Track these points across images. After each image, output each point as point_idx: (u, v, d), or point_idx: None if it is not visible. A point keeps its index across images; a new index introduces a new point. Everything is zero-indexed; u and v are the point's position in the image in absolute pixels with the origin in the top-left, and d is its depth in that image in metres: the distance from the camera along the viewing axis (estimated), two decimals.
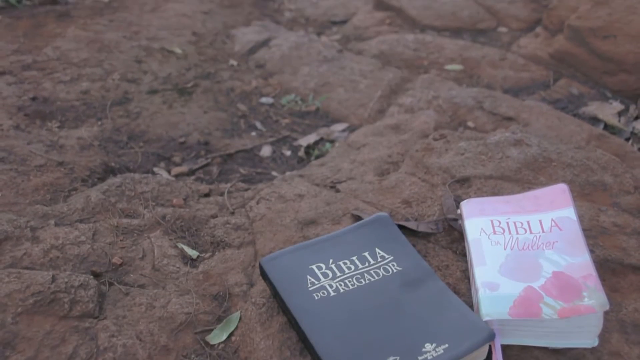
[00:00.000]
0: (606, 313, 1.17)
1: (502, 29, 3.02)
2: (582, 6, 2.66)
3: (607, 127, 2.19)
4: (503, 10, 3.11)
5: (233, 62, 2.70)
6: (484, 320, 1.10)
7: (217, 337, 1.20)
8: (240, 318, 1.22)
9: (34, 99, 2.15)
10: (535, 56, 2.69)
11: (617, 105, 2.31)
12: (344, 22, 3.27)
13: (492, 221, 1.32)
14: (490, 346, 1.10)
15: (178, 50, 2.68)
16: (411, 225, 1.43)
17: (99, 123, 2.08)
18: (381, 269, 1.23)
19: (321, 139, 2.16)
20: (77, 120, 2.09)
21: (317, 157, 2.04)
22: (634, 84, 2.38)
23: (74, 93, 2.23)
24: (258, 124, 2.26)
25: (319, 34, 3.13)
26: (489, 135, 1.82)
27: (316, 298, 1.16)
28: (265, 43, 2.83)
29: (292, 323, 1.16)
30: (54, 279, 1.24)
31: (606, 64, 2.47)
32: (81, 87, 2.27)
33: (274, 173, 1.97)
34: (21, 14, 2.84)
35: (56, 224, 1.45)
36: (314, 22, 3.30)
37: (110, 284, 1.28)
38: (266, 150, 2.10)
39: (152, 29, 2.84)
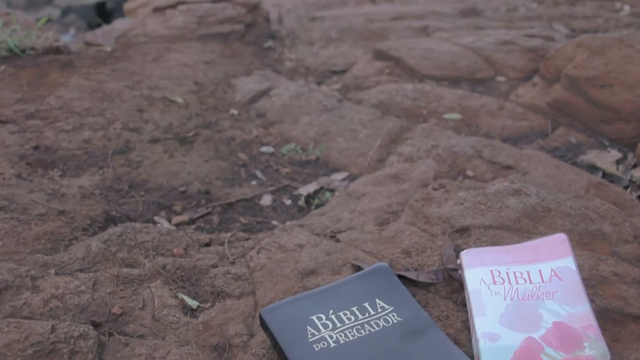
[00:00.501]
0: None
1: (500, 78, 3.06)
2: (578, 56, 2.70)
3: (605, 175, 2.20)
4: (500, 60, 3.16)
5: (234, 111, 2.73)
6: None
7: None
8: None
9: (36, 147, 2.17)
10: (533, 105, 2.72)
11: (615, 154, 2.32)
12: (343, 71, 3.32)
13: (491, 271, 1.33)
14: None
15: (179, 100, 2.71)
16: (411, 275, 1.43)
17: (100, 172, 2.10)
18: (381, 320, 1.23)
19: (321, 188, 2.18)
20: (79, 169, 2.10)
21: (317, 207, 2.05)
22: (632, 132, 2.40)
23: (76, 142, 2.25)
24: (258, 173, 2.27)
25: (319, 83, 3.17)
26: (488, 184, 1.83)
27: (316, 349, 1.16)
28: (266, 92, 2.86)
29: None
30: (53, 329, 1.24)
31: (603, 113, 2.50)
32: (83, 136, 2.29)
33: (275, 222, 1.98)
34: (25, 64, 2.88)
35: (56, 273, 1.45)
36: (314, 72, 3.34)
37: (110, 334, 1.28)
38: (266, 200, 2.11)
39: (154, 79, 2.88)
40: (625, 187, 2.11)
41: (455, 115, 2.65)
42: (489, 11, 4.32)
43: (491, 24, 3.93)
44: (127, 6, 6.29)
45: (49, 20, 8.48)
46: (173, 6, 3.73)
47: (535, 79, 2.91)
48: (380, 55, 3.33)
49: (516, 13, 4.25)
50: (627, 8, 4.32)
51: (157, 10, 3.79)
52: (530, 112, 2.66)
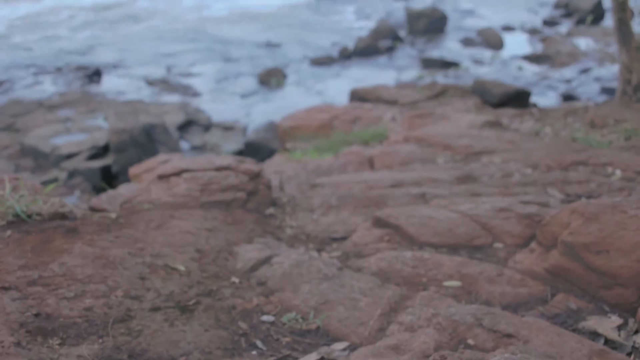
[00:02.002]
0: None
1: (498, 245, 3.10)
2: (573, 222, 2.75)
3: (607, 342, 2.18)
4: (497, 226, 3.22)
5: (235, 279, 2.75)
6: None
7: None
8: None
9: (37, 315, 2.17)
10: (532, 271, 2.75)
11: (615, 319, 2.32)
12: (343, 238, 3.37)
13: None
14: None
15: (181, 268, 2.73)
16: None
17: (100, 341, 2.09)
18: None
19: (322, 359, 2.16)
20: (79, 338, 2.09)
21: None
22: (631, 297, 2.41)
23: (77, 310, 2.25)
24: (259, 343, 2.26)
25: (319, 250, 3.21)
26: (489, 356, 1.82)
27: None
28: (266, 260, 2.90)
29: None
30: None
31: (602, 278, 2.52)
32: (84, 304, 2.30)
33: None
34: (31, 229, 2.92)
35: None
36: (314, 239, 3.40)
37: None
38: None
39: (156, 246, 2.92)
40: (629, 354, 2.09)
41: (455, 283, 2.66)
42: (485, 177, 4.44)
43: (487, 190, 4.03)
44: (132, 171, 6.46)
45: (55, 181, 8.67)
46: (177, 174, 3.84)
47: (533, 245, 2.95)
48: (379, 222, 3.39)
49: (511, 179, 4.37)
50: (618, 173, 4.45)
51: (162, 177, 3.91)
52: (529, 279, 2.68)
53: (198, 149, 10.09)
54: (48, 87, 12.67)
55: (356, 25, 16.13)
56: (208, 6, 17.96)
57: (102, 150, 9.50)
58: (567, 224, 2.79)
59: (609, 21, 13.12)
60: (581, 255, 2.60)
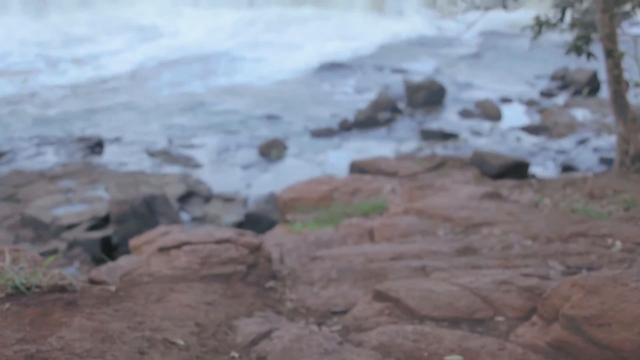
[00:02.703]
0: None
1: (499, 318, 3.08)
2: (574, 295, 2.75)
3: None
4: (498, 299, 3.20)
5: (234, 354, 2.73)
6: None
7: None
8: None
9: None
10: (534, 345, 2.73)
11: None
12: (344, 312, 3.35)
13: None
14: None
15: (180, 342, 2.72)
16: None
17: None
18: None
19: None
20: None
21: None
22: None
23: None
24: None
25: (319, 324, 3.19)
26: None
27: None
28: (266, 335, 2.88)
29: None
30: None
31: (604, 352, 2.50)
32: None
33: None
34: (29, 302, 2.91)
35: None
36: (314, 313, 3.38)
37: None
38: None
39: (156, 320, 2.90)
40: None
41: (456, 357, 2.64)
42: (485, 249, 4.45)
43: (488, 262, 4.03)
44: (132, 243, 6.47)
45: (55, 252, 8.66)
46: (178, 247, 3.85)
47: (534, 318, 2.93)
48: (380, 296, 3.38)
49: (511, 251, 4.37)
50: (618, 244, 4.46)
51: (162, 250, 3.91)
52: (531, 353, 2.66)
53: (198, 220, 10.11)
54: (50, 158, 12.77)
55: (356, 98, 16.36)
56: (208, 80, 18.27)
57: (103, 221, 9.52)
58: (568, 297, 2.78)
59: (604, 93, 13.32)
60: (583, 328, 2.59)
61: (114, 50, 21.40)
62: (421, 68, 18.85)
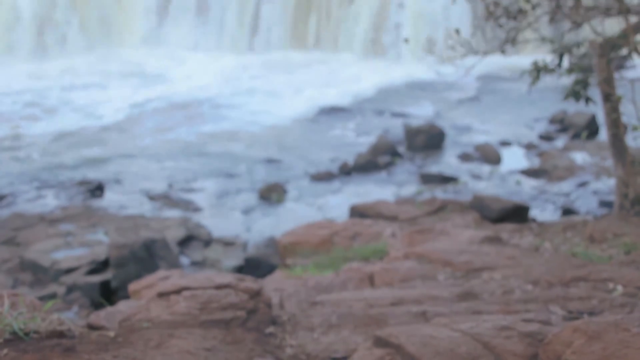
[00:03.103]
0: None
1: None
2: (576, 341, 2.73)
3: None
4: (500, 345, 3.18)
5: None
6: None
7: None
8: None
9: None
10: None
11: None
12: (344, 358, 3.33)
13: None
14: None
15: None
16: None
17: None
18: None
19: None
20: None
21: None
22: None
23: None
24: None
25: None
26: None
27: None
28: None
29: None
30: None
31: None
32: None
33: None
34: (28, 347, 2.90)
35: None
36: (315, 359, 3.36)
37: None
38: None
39: None
40: None
41: None
42: (486, 294, 4.43)
43: (488, 307, 4.01)
44: (131, 287, 6.45)
45: (54, 296, 8.61)
46: (177, 292, 3.83)
47: None
48: (380, 342, 3.36)
49: (512, 296, 4.36)
50: (619, 288, 4.44)
51: (162, 295, 3.89)
52: None
53: (198, 264, 10.08)
54: (50, 201, 12.79)
55: (356, 141, 16.44)
56: (209, 124, 18.39)
57: (102, 265, 9.49)
58: (570, 342, 2.76)
59: (603, 136, 13.39)
60: None
61: (114, 95, 21.57)
62: (420, 112, 18.98)
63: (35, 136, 17.44)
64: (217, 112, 19.58)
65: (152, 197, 12.93)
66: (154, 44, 27.16)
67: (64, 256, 9.81)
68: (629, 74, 8.56)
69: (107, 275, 9.26)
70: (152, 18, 27.49)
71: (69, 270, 9.43)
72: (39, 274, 9.56)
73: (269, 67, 24.51)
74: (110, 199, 13.01)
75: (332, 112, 19.01)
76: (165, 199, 12.81)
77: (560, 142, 15.86)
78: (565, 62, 7.85)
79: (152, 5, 27.67)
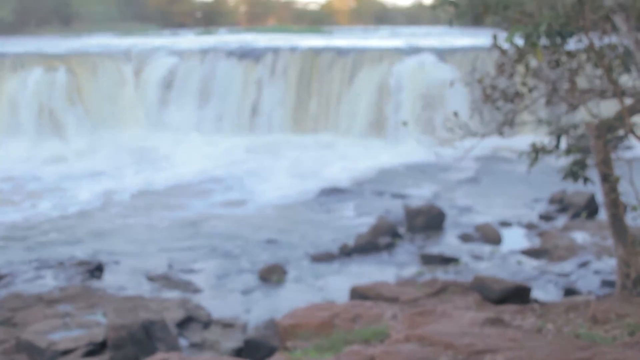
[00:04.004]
0: None
1: None
2: None
3: None
4: None
5: None
6: None
7: None
8: None
9: None
10: None
11: None
12: None
13: None
14: None
15: None
16: None
17: None
18: None
19: None
20: None
21: None
22: None
23: None
24: None
25: None
26: None
27: None
28: None
29: None
30: None
31: None
32: None
33: None
34: None
35: None
36: None
37: None
38: None
39: None
40: None
41: None
42: None
43: None
44: None
45: None
46: None
47: None
48: None
49: None
50: None
51: None
52: None
53: (197, 346, 9.94)
54: (49, 282, 12.72)
55: (356, 222, 16.47)
56: (209, 205, 18.49)
57: (99, 347, 9.36)
58: None
59: (603, 215, 13.42)
60: None
61: (115, 176, 21.78)
62: (420, 193, 19.07)
63: (38, 215, 17.52)
64: (217, 193, 19.70)
65: (151, 278, 12.86)
66: (156, 126, 27.59)
67: (61, 337, 9.67)
68: (626, 154, 8.66)
69: (104, 357, 9.12)
70: (155, 102, 28.03)
71: (66, 352, 9.28)
72: (35, 355, 9.41)
73: (269, 149, 24.81)
74: (110, 279, 12.94)
75: (332, 193, 19.11)
76: (164, 280, 12.73)
77: (560, 221, 15.87)
78: (563, 143, 7.96)
79: (155, 90, 28.26)
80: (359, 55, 27.64)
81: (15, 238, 15.62)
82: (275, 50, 28.48)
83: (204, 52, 29.47)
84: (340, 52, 28.11)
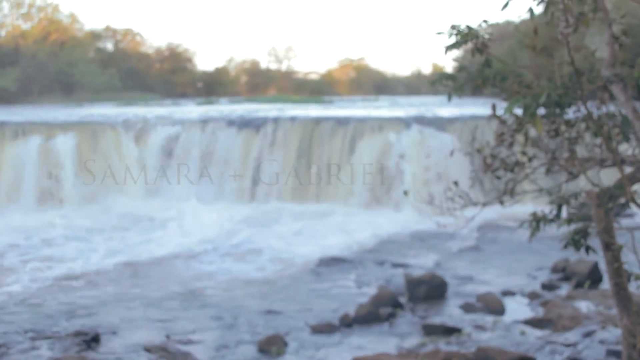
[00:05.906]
0: None
1: None
2: None
3: None
4: None
5: None
6: None
7: None
8: None
9: None
10: None
11: None
12: None
13: None
14: None
15: None
16: None
17: None
18: None
19: None
20: None
21: None
22: None
23: None
24: None
25: None
26: None
27: None
28: None
29: None
30: None
31: None
32: None
33: None
34: None
35: None
36: None
37: None
38: None
39: None
40: None
41: None
42: None
43: None
44: None
45: None
46: None
47: None
48: None
49: None
50: None
51: None
52: None
53: None
54: (44, 352, 12.49)
55: (356, 292, 16.32)
56: (208, 274, 18.36)
57: None
58: None
59: (606, 284, 13.28)
60: None
61: (112, 243, 21.70)
62: (421, 262, 18.95)
63: (36, 281, 17.39)
64: (216, 262, 19.57)
65: (148, 349, 12.63)
66: (156, 194, 27.67)
67: None
68: (628, 222, 8.63)
69: None
70: (155, 171, 28.20)
71: None
72: None
73: (269, 218, 24.80)
74: (106, 349, 12.71)
75: (332, 262, 18.98)
76: (162, 351, 12.50)
77: (564, 290, 15.72)
78: (564, 212, 7.93)
79: (155, 158, 28.46)
80: (359, 125, 27.93)
81: (8, 310, 15.43)
82: (276, 120, 28.79)
83: (205, 121, 29.80)
84: (340, 121, 28.41)
